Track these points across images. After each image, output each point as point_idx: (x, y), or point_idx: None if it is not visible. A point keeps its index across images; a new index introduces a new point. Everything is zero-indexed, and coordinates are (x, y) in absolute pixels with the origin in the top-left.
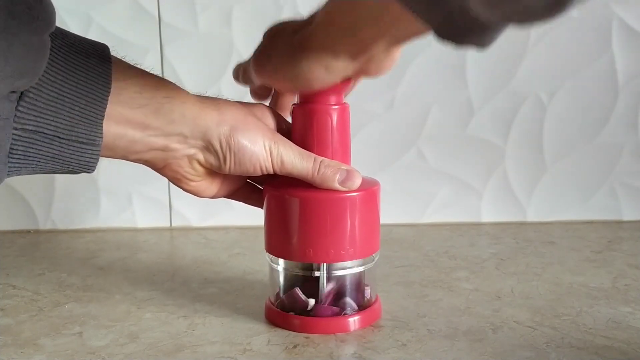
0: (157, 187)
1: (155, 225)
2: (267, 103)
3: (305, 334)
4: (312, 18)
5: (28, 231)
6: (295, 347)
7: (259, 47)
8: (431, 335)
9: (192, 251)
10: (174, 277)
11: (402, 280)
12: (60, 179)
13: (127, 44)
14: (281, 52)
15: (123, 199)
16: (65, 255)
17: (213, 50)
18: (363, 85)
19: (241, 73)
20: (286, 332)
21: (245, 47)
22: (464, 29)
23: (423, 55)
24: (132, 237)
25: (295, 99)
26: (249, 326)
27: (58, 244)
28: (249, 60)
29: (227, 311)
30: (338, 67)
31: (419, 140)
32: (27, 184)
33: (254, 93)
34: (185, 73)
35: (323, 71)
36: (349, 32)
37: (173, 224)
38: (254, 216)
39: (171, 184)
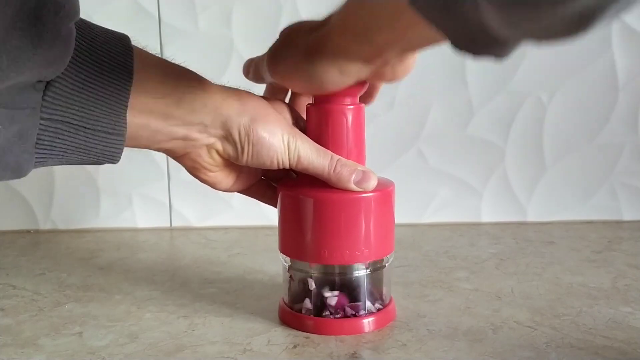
0: (157, 187)
1: (155, 225)
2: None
3: (305, 334)
4: (329, 19)
5: (28, 231)
6: (295, 347)
7: (274, 45)
8: (431, 335)
9: (192, 251)
10: (174, 277)
11: (402, 280)
12: (60, 179)
13: None
14: (296, 52)
15: (123, 199)
16: (65, 255)
17: (213, 50)
18: None
19: (252, 69)
20: (286, 332)
21: (245, 47)
22: (482, 42)
23: (423, 55)
24: (132, 237)
25: (311, 99)
26: (249, 326)
27: (58, 244)
28: (261, 57)
29: (227, 311)
30: (352, 70)
31: (419, 140)
32: (27, 184)
33: (269, 92)
34: None
35: (337, 74)
36: (363, 36)
37: (173, 224)
38: (253, 216)
39: (171, 185)
